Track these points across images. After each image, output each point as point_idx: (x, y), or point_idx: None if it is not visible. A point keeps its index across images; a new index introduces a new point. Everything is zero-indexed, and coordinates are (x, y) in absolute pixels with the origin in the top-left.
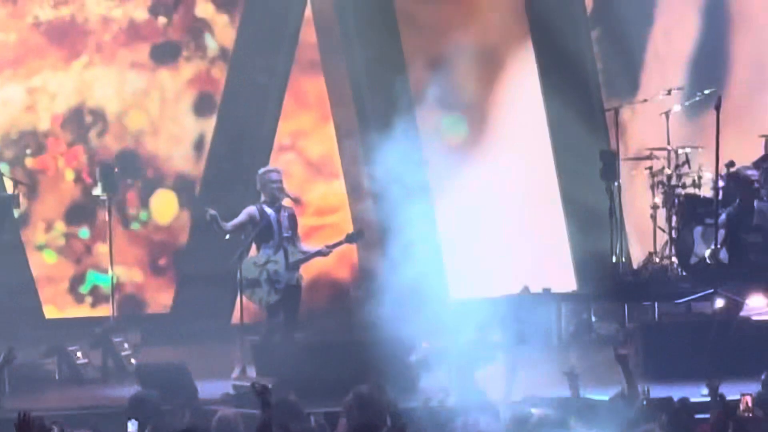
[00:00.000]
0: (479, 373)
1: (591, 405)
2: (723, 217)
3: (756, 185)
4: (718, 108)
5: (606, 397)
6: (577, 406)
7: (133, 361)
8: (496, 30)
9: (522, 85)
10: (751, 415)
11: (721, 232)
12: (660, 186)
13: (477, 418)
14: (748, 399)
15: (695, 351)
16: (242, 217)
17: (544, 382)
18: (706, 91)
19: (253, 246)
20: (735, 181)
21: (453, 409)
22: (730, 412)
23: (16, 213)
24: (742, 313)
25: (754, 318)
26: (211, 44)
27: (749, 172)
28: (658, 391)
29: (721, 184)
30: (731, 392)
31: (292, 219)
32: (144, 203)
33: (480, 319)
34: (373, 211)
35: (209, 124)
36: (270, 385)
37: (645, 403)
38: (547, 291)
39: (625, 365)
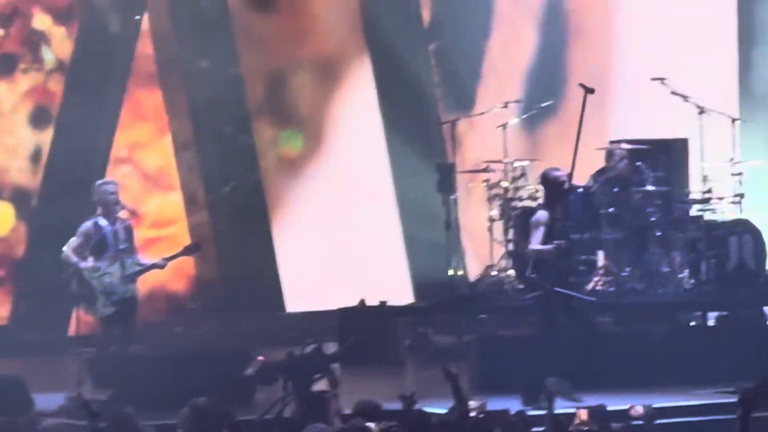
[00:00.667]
0: (315, 386)
1: (426, 418)
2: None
3: (566, 185)
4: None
5: (444, 410)
6: (411, 419)
7: None
8: (333, 44)
9: (359, 99)
10: (586, 429)
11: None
12: (497, 199)
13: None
14: (583, 413)
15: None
16: (79, 239)
17: (380, 395)
18: (543, 104)
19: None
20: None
21: (290, 421)
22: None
23: None
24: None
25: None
26: (48, 56)
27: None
28: (495, 404)
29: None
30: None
31: (129, 231)
32: None
33: (316, 332)
34: (209, 223)
35: (46, 137)
36: (102, 397)
37: (482, 415)
38: (383, 304)
39: (454, 383)
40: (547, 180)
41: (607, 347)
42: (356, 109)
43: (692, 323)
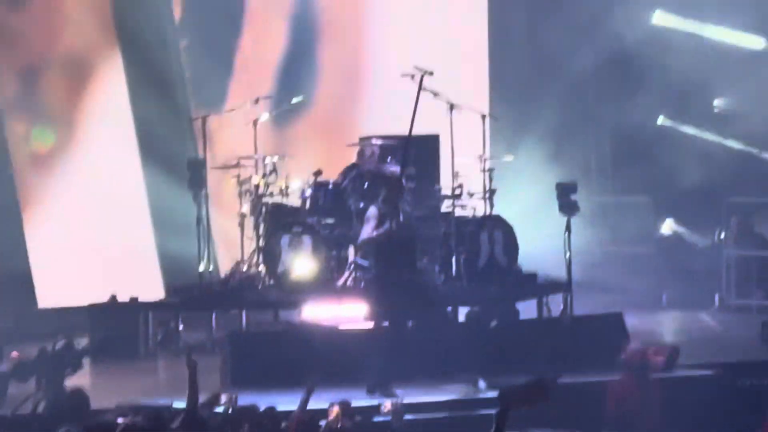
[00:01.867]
0: (67, 381)
1: (159, 412)
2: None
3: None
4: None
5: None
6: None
7: None
8: (84, 39)
9: (111, 94)
10: (340, 425)
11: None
12: (248, 195)
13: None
14: (337, 409)
15: (282, 359)
16: None
17: (131, 390)
18: (294, 100)
19: None
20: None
21: (43, 417)
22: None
23: None
24: (329, 323)
25: (342, 328)
26: None
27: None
28: (246, 399)
29: (308, 193)
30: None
31: None
32: None
33: (68, 328)
34: None
35: None
36: None
37: (230, 411)
38: (134, 300)
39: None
40: (383, 177)
41: (359, 343)
42: (108, 105)
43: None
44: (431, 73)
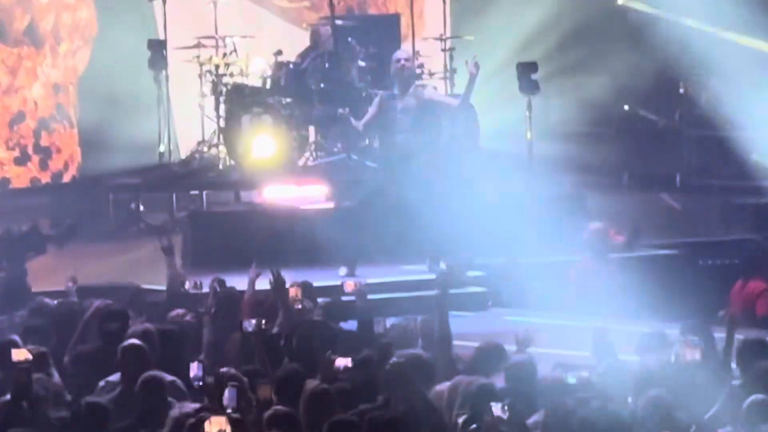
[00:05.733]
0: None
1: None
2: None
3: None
4: None
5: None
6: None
7: None
8: None
9: None
10: (300, 307)
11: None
12: (208, 75)
13: None
14: (296, 289)
15: (243, 239)
16: None
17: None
18: None
19: None
20: None
21: None
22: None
23: None
24: (290, 204)
25: (304, 208)
26: None
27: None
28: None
29: (269, 73)
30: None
31: None
32: None
33: (31, 209)
34: None
35: None
36: None
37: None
38: (96, 180)
39: (170, 255)
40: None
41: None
42: None
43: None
44: None
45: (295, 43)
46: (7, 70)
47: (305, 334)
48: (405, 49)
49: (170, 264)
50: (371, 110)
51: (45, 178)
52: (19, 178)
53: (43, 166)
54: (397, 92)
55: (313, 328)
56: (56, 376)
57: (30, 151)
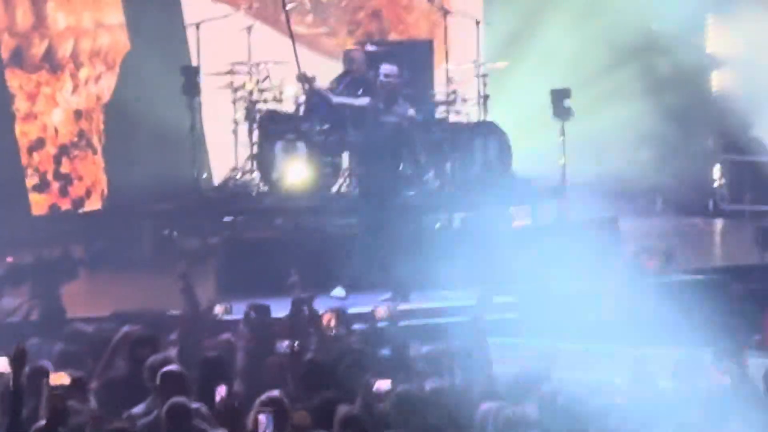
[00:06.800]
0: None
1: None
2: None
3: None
4: None
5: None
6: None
7: None
8: None
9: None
10: (334, 332)
11: None
12: (241, 101)
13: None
14: (332, 316)
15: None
16: None
17: (125, 298)
18: (289, 6)
19: None
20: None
21: (33, 324)
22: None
23: None
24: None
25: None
26: None
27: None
28: (240, 307)
29: (302, 99)
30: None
31: None
32: None
33: (62, 236)
34: None
35: None
36: None
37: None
38: (130, 208)
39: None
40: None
41: (353, 248)
42: (103, 10)
43: (437, 225)
44: None
45: (313, 68)
46: (25, 96)
47: (351, 364)
48: (391, 65)
49: (185, 289)
50: (354, 101)
51: (65, 205)
52: (39, 205)
53: (63, 192)
54: (382, 106)
55: (359, 357)
56: (93, 402)
57: (50, 177)
